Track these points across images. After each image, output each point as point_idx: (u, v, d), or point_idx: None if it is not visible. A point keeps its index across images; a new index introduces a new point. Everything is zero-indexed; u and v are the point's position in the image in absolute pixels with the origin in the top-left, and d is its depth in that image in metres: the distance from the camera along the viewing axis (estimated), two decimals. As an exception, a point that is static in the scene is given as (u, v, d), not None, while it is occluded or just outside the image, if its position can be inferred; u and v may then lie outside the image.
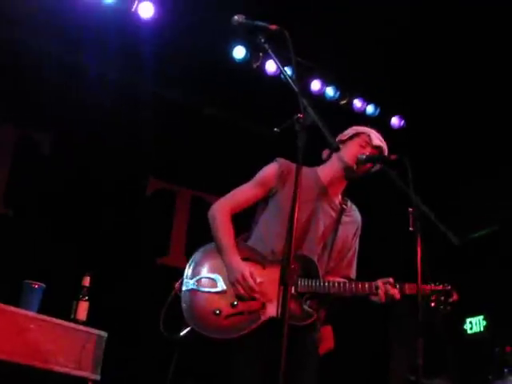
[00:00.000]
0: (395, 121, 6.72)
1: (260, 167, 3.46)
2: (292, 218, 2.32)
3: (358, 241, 3.45)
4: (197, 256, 3.25)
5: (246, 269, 3.07)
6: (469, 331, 7.06)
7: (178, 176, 6.49)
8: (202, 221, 6.22)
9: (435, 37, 5.66)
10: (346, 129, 3.49)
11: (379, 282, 3.09)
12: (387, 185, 3.62)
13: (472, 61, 5.75)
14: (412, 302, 2.93)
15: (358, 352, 6.47)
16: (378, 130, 3.46)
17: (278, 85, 5.87)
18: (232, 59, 5.96)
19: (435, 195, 5.97)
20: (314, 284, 3.07)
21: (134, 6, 5.56)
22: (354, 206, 3.47)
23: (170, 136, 6.26)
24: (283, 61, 2.78)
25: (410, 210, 2.99)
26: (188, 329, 3.04)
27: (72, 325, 4.15)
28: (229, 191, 3.45)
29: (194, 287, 3.11)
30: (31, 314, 4.01)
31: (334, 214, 3.34)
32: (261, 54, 6.01)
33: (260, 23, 2.73)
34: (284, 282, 2.23)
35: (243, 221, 3.41)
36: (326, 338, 3.40)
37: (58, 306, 4.13)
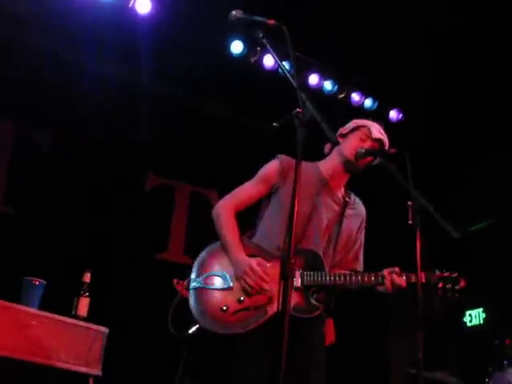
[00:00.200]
0: (393, 114, 6.73)
1: (258, 162, 3.46)
2: (292, 213, 2.33)
3: (363, 234, 3.46)
4: (202, 255, 3.26)
5: (253, 261, 3.09)
6: (468, 324, 7.08)
7: (177, 171, 6.50)
8: (201, 216, 6.23)
9: (432, 29, 5.66)
10: (344, 123, 3.49)
11: (385, 272, 3.10)
12: (386, 178, 3.63)
13: (469, 52, 5.75)
14: (412, 294, 2.93)
15: (358, 345, 6.48)
16: (380, 123, 3.45)
17: (276, 79, 5.89)
18: (230, 54, 5.95)
19: (434, 189, 6.00)
20: (319, 277, 3.09)
21: (132, 2, 5.55)
22: (357, 199, 3.48)
23: (168, 132, 6.26)
24: (281, 55, 2.79)
25: (409, 203, 2.99)
26: (196, 326, 3.07)
27: (73, 321, 4.15)
28: (227, 186, 3.45)
29: (201, 285, 3.13)
30: (32, 310, 4.02)
31: (337, 208, 3.34)
32: (258, 49, 6.00)
33: (258, 18, 2.73)
34: (284, 276, 2.24)
35: (248, 219, 3.42)
36: (327, 332, 3.41)
37: (58, 302, 4.13)
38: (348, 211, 3.37)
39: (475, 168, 6.43)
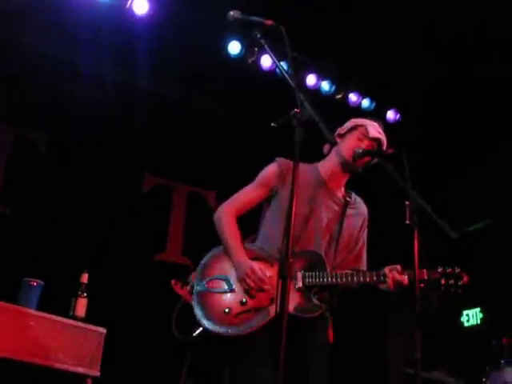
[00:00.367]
0: (391, 114, 6.74)
1: (256, 162, 3.47)
2: (290, 214, 2.33)
3: (366, 233, 3.47)
4: (205, 259, 3.29)
5: (254, 263, 3.13)
6: (465, 324, 7.10)
7: (175, 172, 6.50)
8: (199, 216, 6.26)
9: (429, 29, 5.67)
10: (341, 123, 3.49)
11: (386, 270, 3.11)
12: (384, 178, 3.63)
13: (468, 52, 5.77)
14: (410, 293, 2.94)
15: (357, 344, 6.48)
16: (379, 122, 3.44)
17: (274, 80, 5.89)
18: (227, 54, 5.96)
19: (431, 188, 6.01)
20: (321, 277, 3.11)
21: (129, 3, 5.54)
22: (358, 199, 3.49)
23: (166, 132, 6.26)
24: (279, 56, 2.79)
25: (407, 203, 2.99)
26: (200, 329, 3.10)
27: (71, 321, 4.14)
28: (225, 187, 3.46)
29: (204, 289, 3.16)
30: (31, 311, 4.00)
31: (337, 208, 3.35)
32: (256, 49, 6.00)
33: (255, 18, 2.73)
34: (282, 276, 2.24)
35: (249, 223, 3.43)
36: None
37: (56, 303, 4.13)
38: (349, 211, 3.38)
39: (473, 168, 6.45)
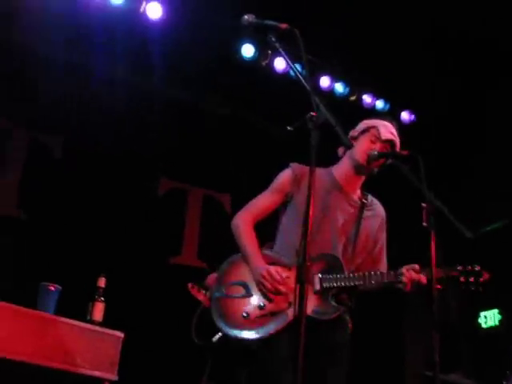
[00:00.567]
0: (405, 115, 6.71)
1: (270, 165, 3.48)
2: (307, 218, 2.33)
3: (384, 234, 3.45)
4: (223, 266, 3.30)
5: (271, 267, 3.13)
6: (483, 325, 7.03)
7: (190, 176, 6.52)
8: (214, 219, 6.26)
9: (443, 30, 5.65)
10: (355, 125, 3.47)
11: (404, 269, 3.10)
12: (400, 180, 3.61)
13: (481, 53, 5.73)
14: (427, 294, 2.92)
15: (374, 347, 6.46)
16: (392, 121, 3.41)
17: (288, 83, 5.89)
18: (241, 58, 5.97)
19: (447, 189, 5.96)
20: (338, 279, 3.11)
21: (142, 7, 5.57)
22: (375, 200, 3.47)
23: (181, 136, 6.28)
24: (293, 59, 2.79)
25: (424, 205, 2.98)
26: (219, 335, 3.12)
27: (88, 326, 4.16)
28: (240, 189, 3.47)
29: (223, 295, 3.18)
30: (48, 315, 4.03)
31: (353, 210, 3.34)
32: (269, 52, 6.01)
33: (270, 22, 2.73)
34: (300, 280, 2.24)
35: (267, 231, 3.45)
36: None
37: (74, 307, 4.14)
38: (366, 213, 3.37)
39: (489, 168, 6.40)
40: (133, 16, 5.58)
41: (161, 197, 6.42)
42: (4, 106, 5.54)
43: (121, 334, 4.21)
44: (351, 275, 3.14)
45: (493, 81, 5.85)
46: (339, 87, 6.41)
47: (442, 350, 2.74)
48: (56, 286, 4.23)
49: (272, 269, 3.11)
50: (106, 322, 4.29)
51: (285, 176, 3.37)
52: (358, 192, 3.42)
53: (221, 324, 3.10)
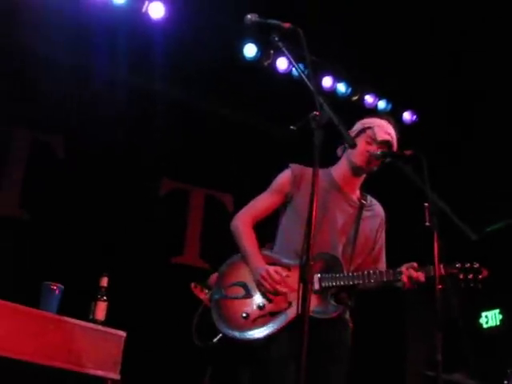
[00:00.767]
0: (407, 116, 6.71)
1: (271, 165, 3.48)
2: (310, 218, 2.33)
3: (384, 234, 3.45)
4: (223, 267, 3.31)
5: (270, 267, 3.14)
6: (485, 325, 7.03)
7: (191, 176, 6.52)
8: (216, 219, 6.26)
9: (445, 29, 5.64)
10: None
11: (403, 268, 3.11)
12: (403, 180, 3.61)
13: (483, 52, 5.73)
14: (429, 293, 2.92)
15: (375, 346, 6.46)
16: (389, 119, 3.39)
17: (290, 83, 5.89)
18: (243, 58, 5.97)
19: (450, 190, 5.96)
20: (337, 278, 3.11)
21: (145, 7, 5.58)
22: (374, 201, 3.47)
23: (182, 136, 6.28)
24: (295, 58, 2.79)
25: (426, 205, 2.98)
26: (220, 335, 3.12)
27: (91, 325, 4.16)
28: (241, 189, 3.47)
29: (223, 296, 3.18)
30: (51, 314, 4.03)
31: (352, 211, 3.34)
32: (272, 52, 6.01)
33: (273, 22, 2.73)
34: (304, 280, 2.24)
35: (266, 231, 3.45)
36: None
37: (76, 306, 4.15)
38: (365, 213, 3.37)
39: (492, 168, 6.39)
40: (135, 16, 5.58)
41: (162, 197, 6.42)
42: (5, 106, 5.54)
43: (123, 334, 4.21)
44: (350, 274, 3.14)
45: (494, 81, 5.84)
46: (341, 87, 6.41)
47: (444, 350, 2.75)
48: (58, 285, 4.23)
49: (271, 269, 3.11)
50: (108, 322, 4.29)
51: (284, 177, 3.38)
52: (357, 192, 3.42)
53: (221, 325, 3.11)
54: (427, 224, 2.94)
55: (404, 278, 3.08)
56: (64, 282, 4.29)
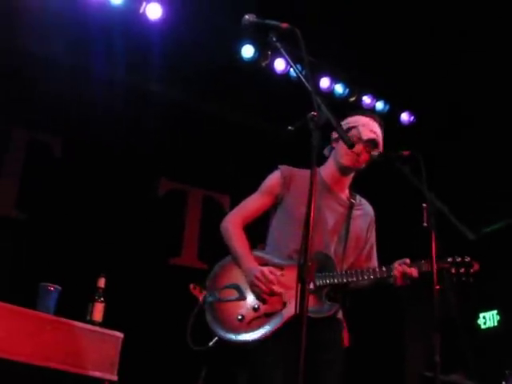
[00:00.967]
0: (405, 117, 6.72)
1: (269, 166, 3.48)
2: (308, 218, 2.33)
3: (374, 232, 3.47)
4: (215, 270, 3.31)
5: (264, 267, 3.13)
6: (482, 326, 7.04)
7: (190, 176, 6.51)
8: (214, 220, 6.24)
9: (445, 31, 5.65)
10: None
11: (395, 264, 3.13)
12: (400, 180, 3.61)
13: (481, 53, 5.73)
14: (427, 294, 2.92)
15: (374, 347, 6.46)
16: (373, 116, 3.37)
17: (287, 83, 5.89)
18: (241, 58, 5.96)
19: (448, 190, 5.96)
20: (331, 277, 3.12)
21: (142, 8, 5.57)
22: (363, 200, 3.48)
23: (180, 136, 6.28)
24: (293, 59, 2.78)
25: (424, 205, 2.98)
26: (215, 339, 3.11)
27: (88, 326, 4.15)
28: (239, 190, 3.47)
29: (216, 299, 3.18)
30: (48, 316, 4.02)
31: (342, 210, 3.35)
32: (269, 53, 6.01)
33: (271, 22, 2.72)
34: (302, 279, 2.24)
35: (258, 233, 3.44)
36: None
37: (73, 307, 4.14)
38: (355, 212, 3.38)
39: (490, 169, 6.40)
40: (133, 17, 5.57)
41: (161, 197, 6.42)
42: (3, 105, 5.54)
43: (120, 335, 4.20)
44: (343, 272, 3.15)
45: (494, 81, 5.84)
46: (339, 88, 6.41)
47: (442, 351, 2.74)
48: (55, 286, 4.22)
49: (266, 269, 3.10)
50: (105, 323, 4.28)
51: (273, 178, 3.38)
52: (347, 192, 3.43)
53: (216, 328, 3.09)
54: (425, 224, 2.94)
55: (397, 274, 3.09)
56: (61, 283, 4.28)
